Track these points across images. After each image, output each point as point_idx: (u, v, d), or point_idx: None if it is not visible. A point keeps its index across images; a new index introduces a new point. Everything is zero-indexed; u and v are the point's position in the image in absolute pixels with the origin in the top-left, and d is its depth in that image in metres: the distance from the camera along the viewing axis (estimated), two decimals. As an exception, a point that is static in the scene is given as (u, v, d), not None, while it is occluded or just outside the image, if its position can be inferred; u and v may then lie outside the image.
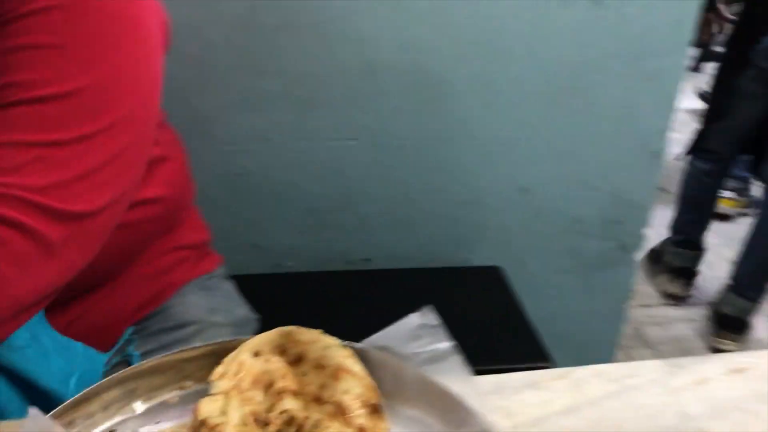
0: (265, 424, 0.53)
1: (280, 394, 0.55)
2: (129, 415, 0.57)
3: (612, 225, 1.38)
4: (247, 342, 0.58)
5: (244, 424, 0.52)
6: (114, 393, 0.57)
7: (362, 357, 0.58)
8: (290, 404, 0.54)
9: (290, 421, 0.54)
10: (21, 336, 0.65)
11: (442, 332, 0.58)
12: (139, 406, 0.57)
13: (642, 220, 1.39)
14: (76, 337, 0.54)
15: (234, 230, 1.25)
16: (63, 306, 0.70)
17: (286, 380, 0.56)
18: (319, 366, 0.57)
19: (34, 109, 0.57)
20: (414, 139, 1.23)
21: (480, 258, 1.36)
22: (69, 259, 0.60)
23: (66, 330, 0.70)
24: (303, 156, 1.21)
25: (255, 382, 0.56)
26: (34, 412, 0.49)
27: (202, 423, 0.51)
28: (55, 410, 0.52)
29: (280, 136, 1.19)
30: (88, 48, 0.59)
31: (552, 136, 1.27)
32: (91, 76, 0.59)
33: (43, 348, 0.68)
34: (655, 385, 0.63)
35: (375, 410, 0.55)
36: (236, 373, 0.56)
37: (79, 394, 0.54)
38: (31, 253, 0.57)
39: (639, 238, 1.40)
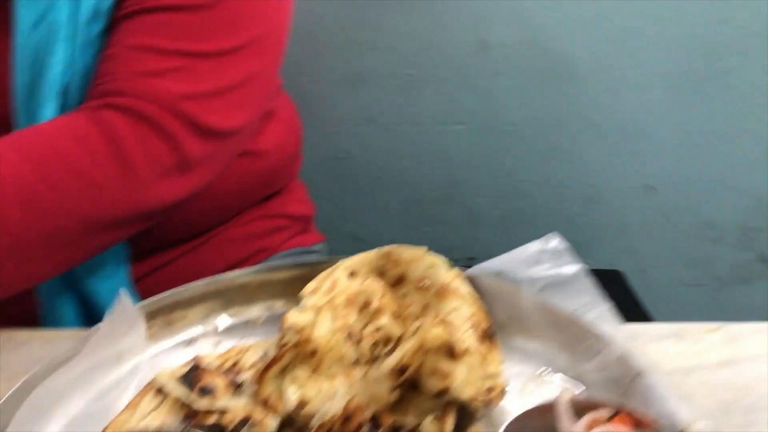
0: (358, 341, 0.46)
1: (377, 313, 0.48)
2: (211, 328, 0.52)
3: (752, 232, 1.23)
4: (344, 261, 0.52)
5: (334, 336, 0.45)
6: (199, 304, 0.52)
7: (473, 284, 0.50)
8: (386, 321, 0.47)
9: (386, 341, 0.47)
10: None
11: (568, 255, 0.49)
12: (223, 322, 0.52)
13: (789, 229, 1.22)
14: (153, 291, 0.50)
15: (333, 218, 1.21)
16: (145, 255, 0.67)
17: (384, 300, 0.49)
18: (423, 287, 0.50)
19: (174, 17, 0.56)
20: (528, 126, 1.15)
21: (597, 263, 1.24)
22: (198, 178, 0.58)
23: (142, 281, 0.66)
24: (408, 140, 1.16)
25: (349, 302, 0.49)
26: (124, 296, 0.46)
27: (289, 329, 0.45)
28: (142, 303, 0.48)
29: (385, 117, 1.15)
30: None
31: (684, 127, 1.16)
32: None
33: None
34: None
35: (486, 336, 0.46)
36: (329, 291, 0.50)
37: (166, 296, 0.50)
38: (167, 162, 0.54)
39: (785, 250, 1.23)
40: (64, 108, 0.56)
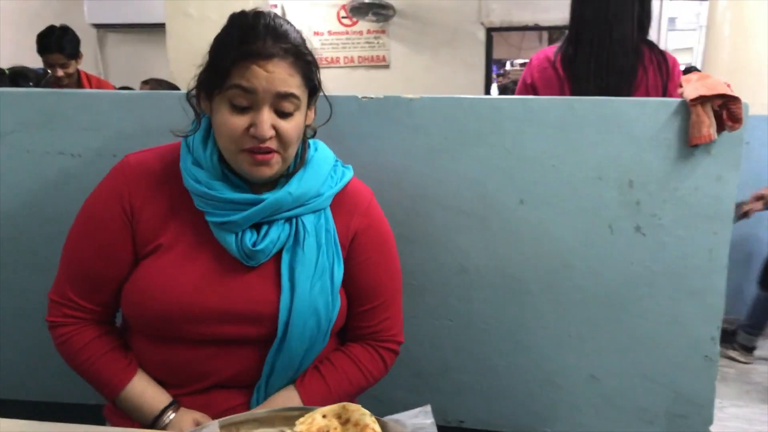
0: (318, 449, 0.94)
1: (331, 436, 0.96)
2: (251, 437, 1.01)
3: (676, 419, 1.59)
4: (319, 408, 1.01)
5: (306, 443, 0.94)
6: (244, 424, 1.02)
7: (381, 425, 0.98)
8: (333, 439, 0.95)
9: (331, 450, 0.94)
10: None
11: (430, 415, 0.96)
12: (258, 435, 1.02)
13: (706, 418, 1.57)
14: None
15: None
16: None
17: (337, 430, 0.97)
18: (356, 424, 0.98)
19: None
20: (498, 325, 1.62)
21: (554, 433, 1.63)
22: None
23: None
24: (413, 330, 1.65)
25: (319, 430, 0.98)
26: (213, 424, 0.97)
27: (285, 437, 0.94)
28: (219, 421, 0.98)
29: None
30: None
31: (614, 333, 1.58)
32: None
33: None
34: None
35: (379, 451, 0.93)
36: (311, 423, 0.99)
37: (227, 419, 1.00)
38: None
39: (705, 435, 1.58)
40: None
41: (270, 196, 1.14)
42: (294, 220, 1.18)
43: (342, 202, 1.24)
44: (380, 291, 1.27)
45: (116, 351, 1.20)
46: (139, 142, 1.54)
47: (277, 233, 1.16)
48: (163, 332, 1.16)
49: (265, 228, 1.16)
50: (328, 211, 1.22)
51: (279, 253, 1.18)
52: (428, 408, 0.98)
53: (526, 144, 1.51)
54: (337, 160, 1.27)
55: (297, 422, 0.98)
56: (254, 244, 1.14)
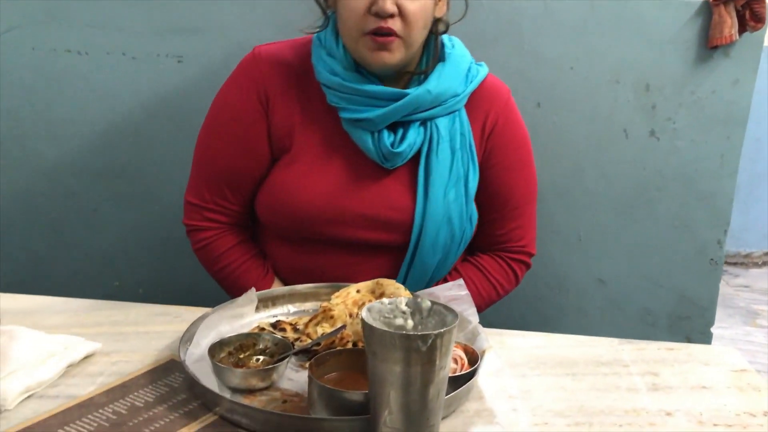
0: (353, 318, 0.96)
1: (366, 308, 0.98)
2: (285, 312, 1.03)
3: (679, 321, 1.64)
4: (355, 284, 1.02)
5: (343, 312, 0.96)
6: (280, 299, 1.03)
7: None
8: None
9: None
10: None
11: (464, 287, 0.99)
12: (292, 309, 1.04)
13: (708, 320, 1.63)
14: None
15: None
16: None
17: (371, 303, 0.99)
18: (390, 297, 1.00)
19: None
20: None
21: (561, 334, 1.67)
22: None
23: None
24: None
25: (354, 303, 1.00)
26: (252, 290, 0.98)
27: (322, 308, 0.95)
28: (257, 293, 0.99)
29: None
30: None
31: (623, 237, 1.61)
32: None
33: None
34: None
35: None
36: (345, 297, 1.00)
37: (266, 292, 1.02)
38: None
39: (707, 336, 1.63)
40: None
41: (412, 91, 1.07)
42: (428, 124, 1.10)
43: (478, 100, 1.17)
44: (513, 197, 1.19)
45: (255, 259, 1.18)
46: (149, 41, 1.51)
47: (414, 136, 1.09)
48: (300, 234, 1.13)
49: (401, 130, 1.10)
50: (463, 113, 1.14)
51: (413, 160, 1.12)
52: (461, 281, 1.00)
53: (545, 46, 1.50)
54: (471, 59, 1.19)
55: (333, 296, 1.00)
56: (392, 145, 1.08)
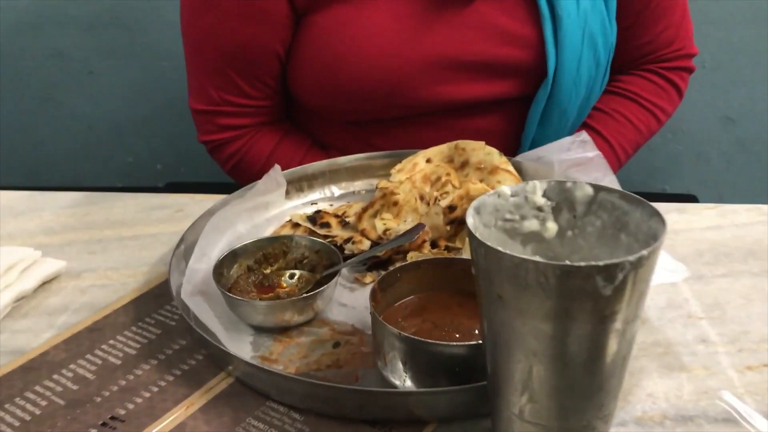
0: (428, 202, 0.65)
1: (443, 185, 0.66)
2: (328, 195, 0.72)
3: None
4: (423, 150, 0.70)
5: (411, 195, 0.64)
6: (320, 178, 0.73)
7: (517, 168, 0.67)
8: (449, 188, 0.65)
9: (444, 193, 0.65)
10: None
11: (591, 144, 0.65)
12: (336, 191, 0.73)
13: None
14: None
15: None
16: None
17: (450, 177, 0.67)
18: (480, 168, 0.67)
19: None
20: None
21: (675, 188, 1.34)
22: None
23: None
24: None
25: (425, 178, 0.68)
26: (277, 167, 0.67)
27: (380, 189, 0.64)
28: (284, 172, 0.69)
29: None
30: None
31: (762, 62, 1.22)
32: None
33: None
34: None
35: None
36: (411, 170, 0.69)
37: (299, 169, 0.71)
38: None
39: None
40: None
41: None
42: None
43: None
44: None
45: (312, 153, 0.84)
46: None
47: None
48: (369, 112, 0.80)
49: None
50: None
51: None
52: (584, 135, 0.67)
53: None
54: None
55: (393, 170, 0.68)
56: None
